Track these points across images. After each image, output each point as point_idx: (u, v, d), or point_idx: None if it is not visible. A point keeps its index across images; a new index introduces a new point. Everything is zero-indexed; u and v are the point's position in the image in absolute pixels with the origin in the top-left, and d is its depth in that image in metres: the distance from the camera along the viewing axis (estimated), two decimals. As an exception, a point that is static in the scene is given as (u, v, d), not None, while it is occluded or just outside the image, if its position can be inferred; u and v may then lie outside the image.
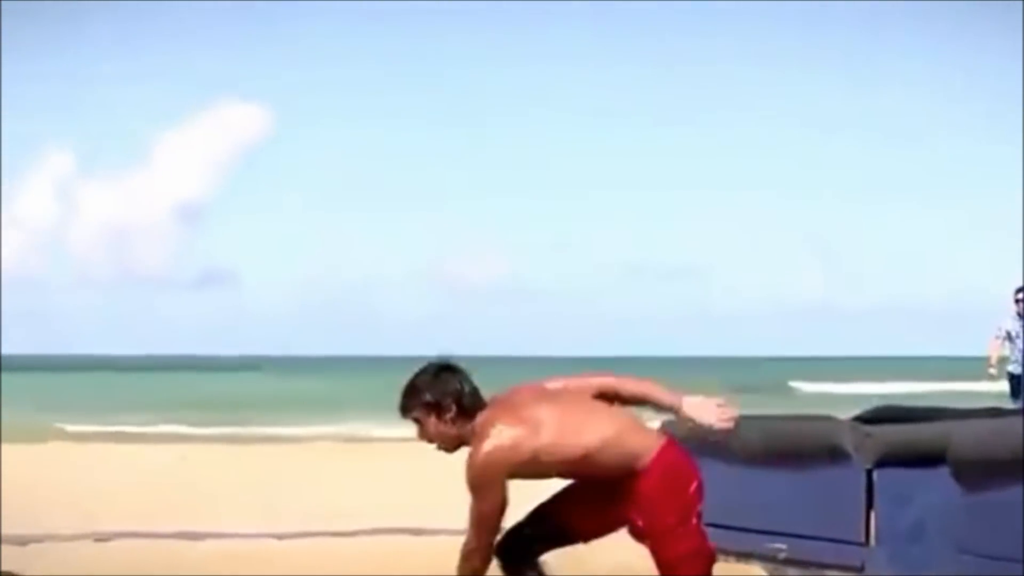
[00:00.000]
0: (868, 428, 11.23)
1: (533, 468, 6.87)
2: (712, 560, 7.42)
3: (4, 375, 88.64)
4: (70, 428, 39.41)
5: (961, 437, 10.61)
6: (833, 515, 11.21)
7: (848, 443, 11.06)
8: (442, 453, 7.15)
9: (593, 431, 6.91)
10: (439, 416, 6.91)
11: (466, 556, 6.95)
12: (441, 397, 6.90)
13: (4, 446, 28.57)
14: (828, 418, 12.36)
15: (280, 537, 14.15)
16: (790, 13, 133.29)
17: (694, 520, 7.18)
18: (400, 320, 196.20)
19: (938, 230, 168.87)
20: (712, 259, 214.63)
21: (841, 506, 11.13)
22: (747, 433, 12.13)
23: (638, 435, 7.07)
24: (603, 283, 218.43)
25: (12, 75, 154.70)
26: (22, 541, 13.80)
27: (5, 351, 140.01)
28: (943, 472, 10.61)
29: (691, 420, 7.32)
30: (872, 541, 10.95)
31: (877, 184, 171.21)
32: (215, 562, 12.54)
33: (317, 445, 31.24)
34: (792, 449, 11.65)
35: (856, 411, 12.56)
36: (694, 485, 7.14)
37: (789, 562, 11.44)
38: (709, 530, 12.06)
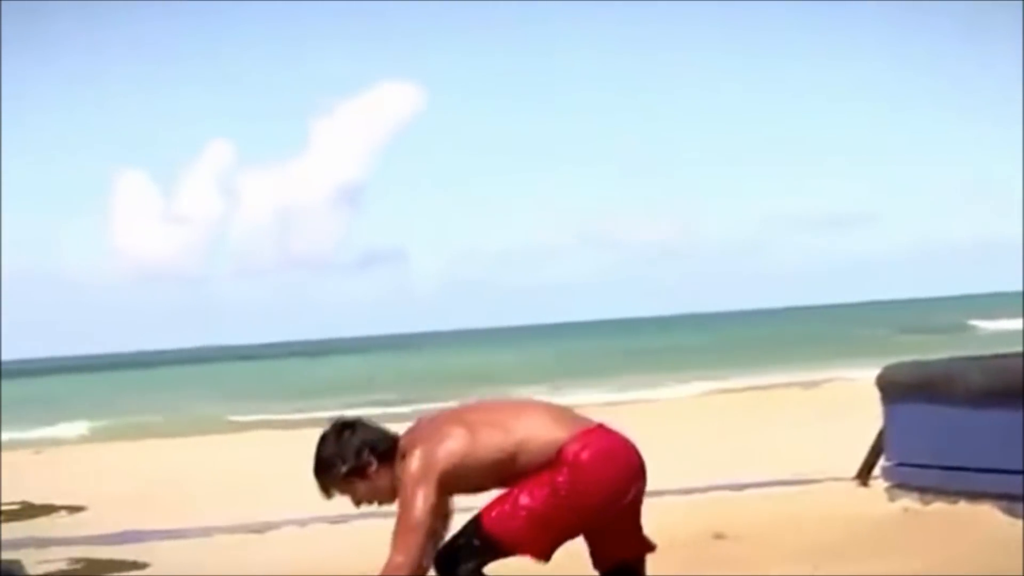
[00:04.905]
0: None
1: (469, 471, 6.24)
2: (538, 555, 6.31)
3: (177, 369, 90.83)
4: (252, 418, 39.79)
5: None
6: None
7: (1076, 378, 10.90)
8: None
9: (527, 418, 6.34)
10: (363, 477, 6.30)
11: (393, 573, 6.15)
12: (356, 459, 6.28)
13: (180, 440, 29.27)
14: (1050, 354, 12.17)
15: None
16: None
17: (587, 518, 6.26)
18: (569, 285, 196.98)
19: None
20: (877, 204, 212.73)
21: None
22: (968, 374, 12.02)
23: (574, 420, 6.43)
24: (769, 235, 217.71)
25: (165, 76, 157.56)
26: (259, 529, 14.02)
27: (181, 344, 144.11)
28: None
29: None
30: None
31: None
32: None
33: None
34: (1017, 387, 11.44)
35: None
36: (621, 483, 6.29)
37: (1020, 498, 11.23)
38: (936, 472, 12.17)
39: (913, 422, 12.47)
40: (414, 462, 6.18)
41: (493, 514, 6.26)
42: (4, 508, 16.87)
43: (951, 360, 13.62)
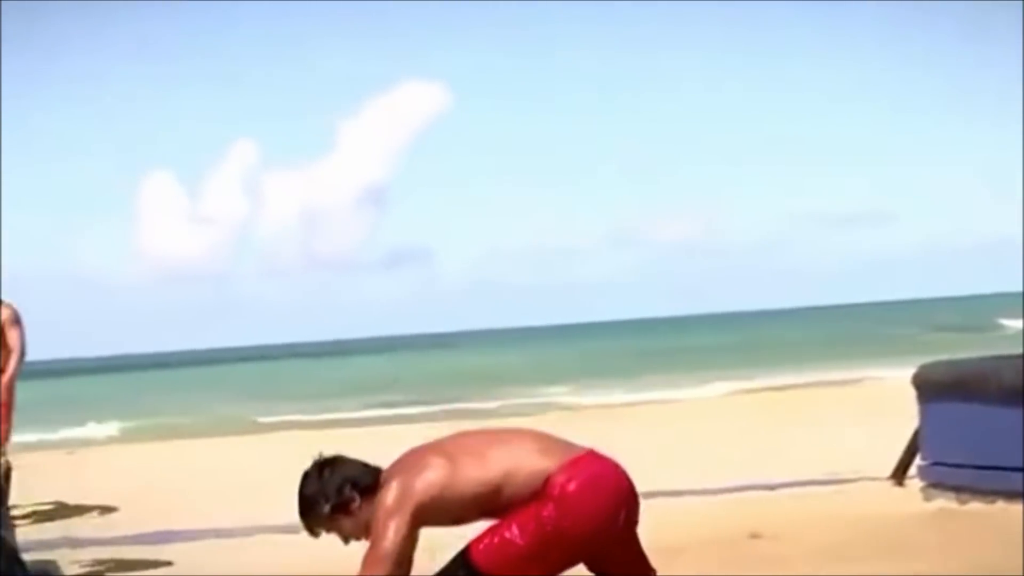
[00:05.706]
0: None
1: (449, 503, 6.11)
2: None
3: (202, 369, 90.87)
4: (278, 419, 39.67)
5: None
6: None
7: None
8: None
9: (512, 448, 6.20)
10: (347, 513, 6.20)
11: None
12: (338, 496, 6.19)
13: (207, 440, 29.34)
14: (1085, 352, 12.13)
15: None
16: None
17: (574, 552, 6.13)
18: (593, 285, 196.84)
19: None
20: (899, 202, 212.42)
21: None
22: (1003, 373, 12.00)
23: (562, 448, 6.28)
24: (793, 233, 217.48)
25: (190, 76, 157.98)
26: (286, 529, 14.01)
27: (206, 345, 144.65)
28: None
29: None
30: None
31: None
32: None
33: (549, 416, 30.92)
34: (1053, 386, 11.44)
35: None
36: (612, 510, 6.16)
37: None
38: (972, 471, 12.14)
39: (949, 421, 12.46)
40: (389, 494, 6.08)
41: (481, 546, 6.12)
42: (38, 508, 16.95)
43: (985, 359, 13.59)
